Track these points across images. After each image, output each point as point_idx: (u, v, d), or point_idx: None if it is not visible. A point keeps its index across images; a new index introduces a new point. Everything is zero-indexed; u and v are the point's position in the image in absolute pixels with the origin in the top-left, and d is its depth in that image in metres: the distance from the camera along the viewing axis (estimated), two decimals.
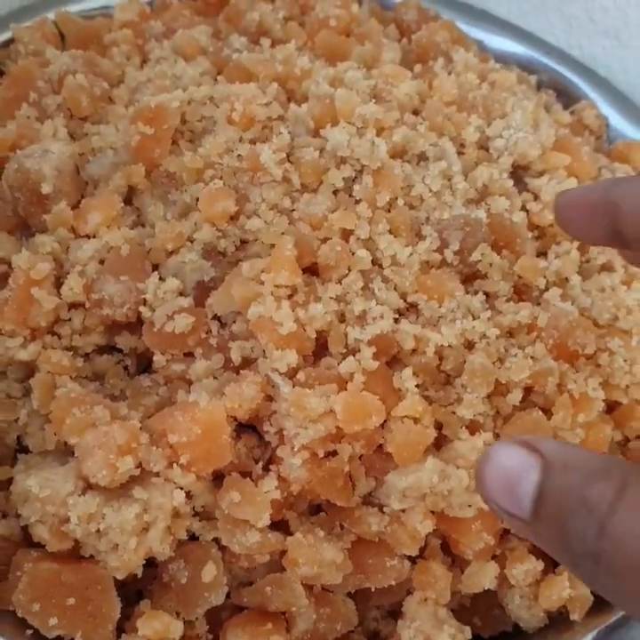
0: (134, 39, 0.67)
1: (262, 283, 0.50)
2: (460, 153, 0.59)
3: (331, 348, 0.50)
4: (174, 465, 0.47)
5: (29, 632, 0.46)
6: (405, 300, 0.52)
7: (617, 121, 0.76)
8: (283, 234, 0.52)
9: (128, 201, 0.57)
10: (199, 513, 0.49)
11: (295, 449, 0.48)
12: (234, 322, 0.51)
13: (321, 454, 0.48)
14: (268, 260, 0.51)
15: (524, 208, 0.58)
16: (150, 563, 0.48)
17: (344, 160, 0.55)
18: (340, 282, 0.51)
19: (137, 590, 0.50)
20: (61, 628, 0.45)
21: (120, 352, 0.54)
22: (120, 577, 0.47)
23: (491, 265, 0.54)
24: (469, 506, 0.49)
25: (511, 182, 0.58)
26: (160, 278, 0.52)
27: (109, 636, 0.47)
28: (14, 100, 0.60)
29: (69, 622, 0.45)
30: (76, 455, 0.47)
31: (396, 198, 0.54)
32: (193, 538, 0.49)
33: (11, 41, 0.68)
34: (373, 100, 0.58)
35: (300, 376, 0.48)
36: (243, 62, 0.60)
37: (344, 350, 0.50)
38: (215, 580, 0.47)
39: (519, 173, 0.61)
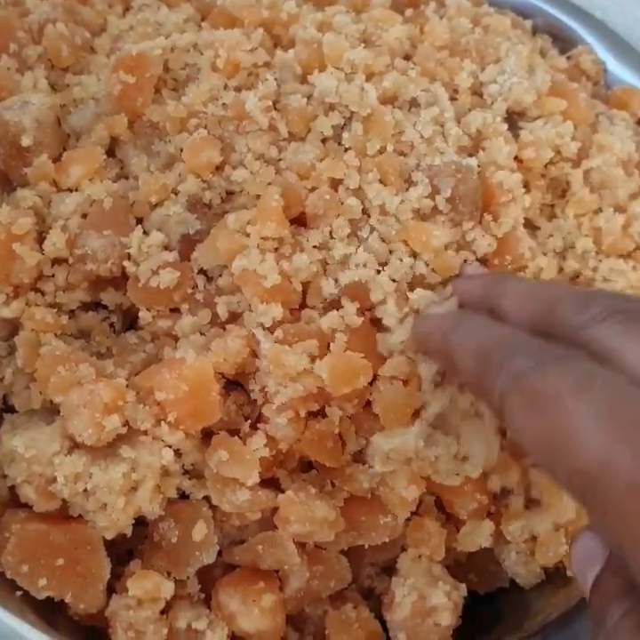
0: None
1: (248, 235, 0.49)
2: (452, 99, 0.57)
3: (308, 299, 0.49)
4: (162, 423, 0.46)
5: (19, 594, 0.45)
6: (391, 252, 0.51)
7: (614, 66, 0.74)
8: (269, 184, 0.50)
9: (111, 152, 0.55)
10: (188, 471, 0.48)
11: (274, 408, 0.47)
12: (220, 276, 0.50)
13: (303, 414, 0.47)
14: (255, 211, 0.49)
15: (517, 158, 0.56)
16: (140, 522, 0.47)
17: (332, 107, 0.53)
18: (328, 232, 0.50)
19: (127, 550, 0.49)
20: (51, 589, 0.45)
21: (105, 309, 0.53)
22: (109, 537, 0.46)
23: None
24: (457, 474, 0.48)
25: (505, 126, 0.56)
26: (144, 232, 0.51)
27: (99, 596, 0.46)
28: None
29: (59, 583, 0.45)
30: (61, 414, 0.46)
31: (386, 146, 0.53)
32: (183, 496, 0.48)
33: None
34: (362, 45, 0.56)
35: (278, 333, 0.47)
36: (227, 8, 0.58)
37: (323, 299, 0.49)
38: (206, 538, 0.47)
39: (514, 119, 0.59)
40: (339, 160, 0.51)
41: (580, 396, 0.31)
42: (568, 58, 0.71)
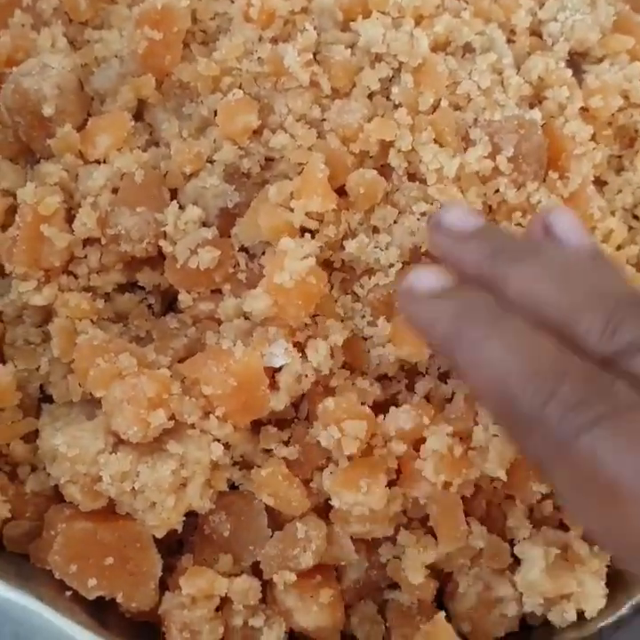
0: None
1: (291, 209, 0.45)
2: (509, 41, 0.52)
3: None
4: (210, 416, 0.43)
5: (68, 593, 0.44)
6: None
7: None
8: (310, 149, 0.46)
9: (139, 116, 0.51)
10: (238, 462, 0.46)
11: None
12: (263, 253, 0.47)
13: None
14: (298, 181, 0.45)
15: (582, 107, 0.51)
16: (190, 512, 0.45)
17: (379, 57, 0.48)
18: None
19: (177, 540, 0.47)
20: (101, 589, 0.43)
21: (143, 289, 0.49)
22: (159, 535, 0.44)
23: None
24: None
25: (570, 72, 0.51)
26: (179, 206, 0.47)
27: (152, 594, 0.44)
28: (6, 5, 0.54)
29: (109, 582, 0.43)
30: (103, 410, 0.43)
31: (440, 99, 0.48)
32: (233, 487, 0.46)
33: None
34: None
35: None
36: None
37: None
38: (259, 532, 0.45)
39: (576, 61, 0.53)
40: (388, 119, 0.47)
41: None
42: None
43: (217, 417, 0.43)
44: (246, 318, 0.46)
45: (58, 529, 0.44)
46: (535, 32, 0.53)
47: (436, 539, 0.45)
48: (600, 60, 0.54)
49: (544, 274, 0.35)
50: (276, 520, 0.46)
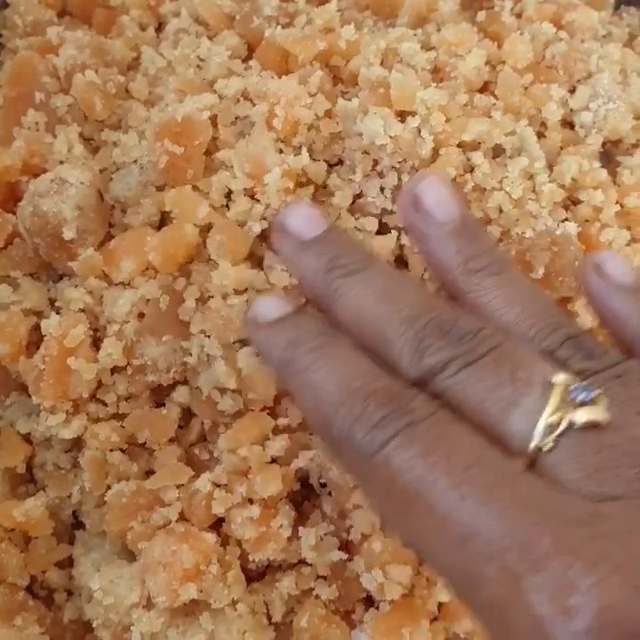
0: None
1: None
2: (540, 135, 0.50)
3: None
4: None
5: None
6: None
7: None
8: None
9: (162, 225, 0.49)
10: None
11: None
12: None
13: None
14: None
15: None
16: None
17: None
18: None
19: None
20: None
21: None
22: None
23: None
24: None
25: (604, 173, 0.49)
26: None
27: None
28: (18, 100, 0.52)
29: None
30: (141, 560, 0.43)
31: None
32: None
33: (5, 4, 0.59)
34: (434, 84, 0.49)
35: None
36: (278, 41, 0.50)
37: None
38: None
39: (609, 150, 0.52)
40: None
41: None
42: None
43: None
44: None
45: None
46: (567, 121, 0.51)
47: None
48: (634, 146, 0.52)
49: (368, 292, 0.35)
50: None
